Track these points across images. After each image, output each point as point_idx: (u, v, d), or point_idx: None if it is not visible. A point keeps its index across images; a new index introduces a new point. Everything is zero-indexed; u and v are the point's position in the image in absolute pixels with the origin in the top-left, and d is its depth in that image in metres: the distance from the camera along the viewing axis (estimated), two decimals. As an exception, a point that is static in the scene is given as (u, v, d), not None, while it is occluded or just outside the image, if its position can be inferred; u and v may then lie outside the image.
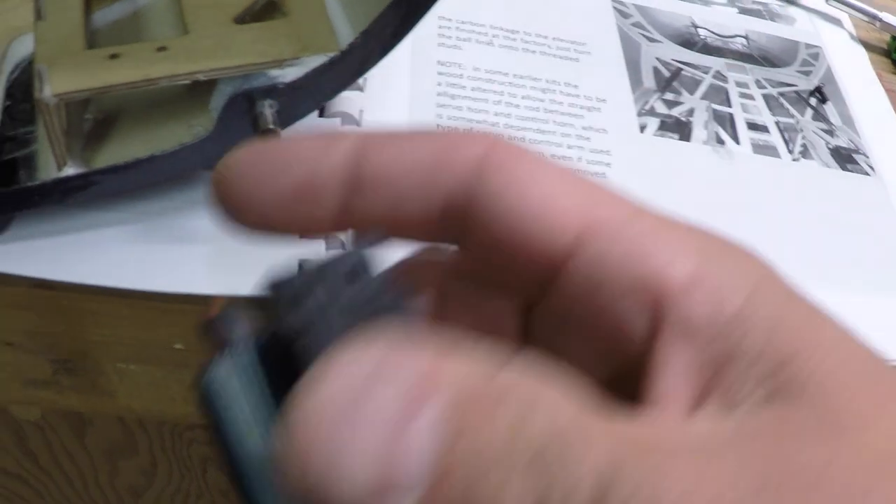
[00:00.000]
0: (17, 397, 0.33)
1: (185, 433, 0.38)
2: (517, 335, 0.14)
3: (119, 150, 0.25)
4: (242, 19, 0.24)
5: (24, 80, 0.28)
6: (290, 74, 0.23)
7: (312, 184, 0.13)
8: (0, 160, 0.26)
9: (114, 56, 0.23)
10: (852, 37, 0.40)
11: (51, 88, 0.22)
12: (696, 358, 0.12)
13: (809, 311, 0.12)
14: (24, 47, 0.28)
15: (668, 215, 0.13)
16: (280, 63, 0.23)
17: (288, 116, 0.24)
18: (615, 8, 0.35)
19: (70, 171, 0.24)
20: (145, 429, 0.38)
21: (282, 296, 0.12)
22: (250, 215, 0.13)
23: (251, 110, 0.23)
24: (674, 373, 0.12)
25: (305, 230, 0.13)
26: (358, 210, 0.13)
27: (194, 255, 0.25)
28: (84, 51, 0.23)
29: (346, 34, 0.24)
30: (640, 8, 0.35)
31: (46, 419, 0.37)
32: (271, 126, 0.23)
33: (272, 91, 0.23)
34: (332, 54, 0.23)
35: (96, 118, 0.26)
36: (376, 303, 0.12)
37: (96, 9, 0.29)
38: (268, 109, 0.23)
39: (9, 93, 0.27)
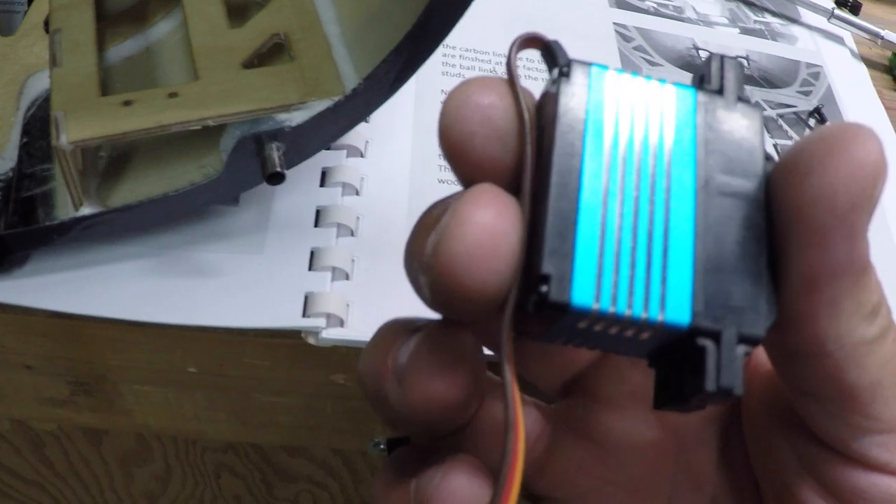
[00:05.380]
0: (34, 414, 0.34)
1: (198, 441, 0.40)
2: None
3: (133, 188, 0.26)
4: (251, 63, 0.25)
5: (40, 117, 0.29)
6: (296, 118, 0.24)
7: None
8: (19, 197, 0.27)
9: (127, 103, 0.24)
10: (854, 54, 0.40)
11: (67, 136, 0.23)
12: None
13: None
14: (40, 84, 0.29)
15: None
16: (287, 108, 0.24)
17: (296, 156, 0.25)
18: (617, 31, 0.35)
19: (86, 210, 0.25)
20: (160, 438, 0.39)
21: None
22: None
23: (260, 153, 0.24)
24: None
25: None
26: None
27: (206, 288, 0.26)
28: (98, 98, 0.24)
29: (351, 77, 0.25)
30: (641, 31, 0.36)
31: (63, 430, 0.39)
32: (278, 169, 0.24)
33: (279, 134, 0.24)
34: (336, 98, 0.24)
35: (111, 155, 0.27)
36: None
37: (110, 45, 0.29)
38: (275, 152, 0.24)
39: (25, 130, 0.28)
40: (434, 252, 0.13)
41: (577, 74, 0.13)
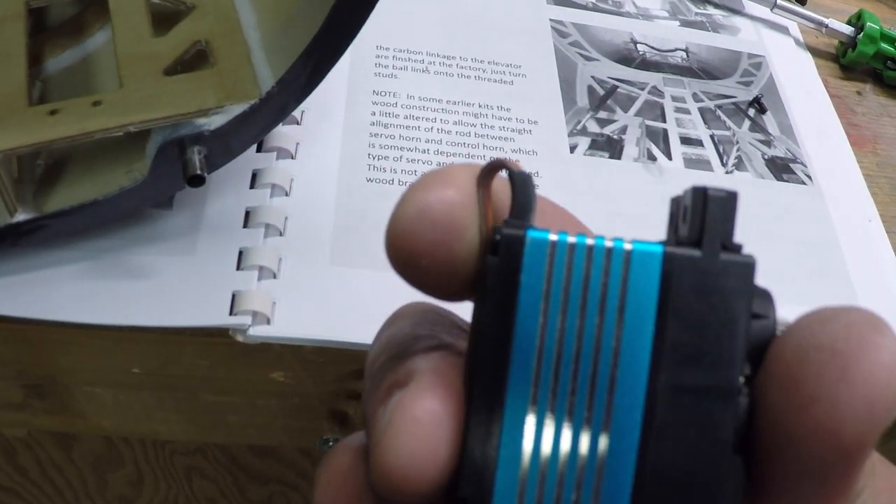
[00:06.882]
0: (-6, 418, 0.35)
1: (167, 445, 0.40)
2: None
3: (68, 194, 0.27)
4: (174, 69, 0.26)
5: (-18, 128, 0.30)
6: (215, 122, 0.25)
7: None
8: (-40, 205, 0.28)
9: (53, 112, 0.25)
10: (798, 43, 0.41)
11: (-4, 145, 0.24)
12: None
13: None
14: (-19, 96, 0.30)
15: None
16: (205, 112, 0.25)
17: (218, 159, 0.26)
18: (553, 28, 0.36)
19: (21, 216, 0.26)
20: (128, 442, 0.40)
21: None
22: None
23: (181, 156, 0.25)
24: None
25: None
26: None
27: (139, 289, 0.27)
28: (26, 108, 0.25)
29: (268, 81, 0.25)
30: (578, 26, 0.36)
31: (33, 436, 0.40)
32: (198, 172, 0.25)
33: (200, 137, 0.25)
34: (252, 102, 0.25)
35: (47, 163, 0.28)
36: None
37: (50, 57, 0.30)
38: (196, 156, 0.25)
39: (-31, 140, 0.29)
40: (375, 451, 0.11)
41: (510, 250, 0.11)
